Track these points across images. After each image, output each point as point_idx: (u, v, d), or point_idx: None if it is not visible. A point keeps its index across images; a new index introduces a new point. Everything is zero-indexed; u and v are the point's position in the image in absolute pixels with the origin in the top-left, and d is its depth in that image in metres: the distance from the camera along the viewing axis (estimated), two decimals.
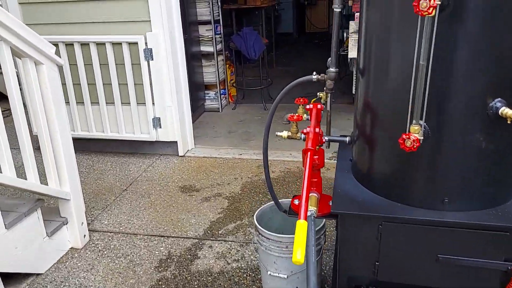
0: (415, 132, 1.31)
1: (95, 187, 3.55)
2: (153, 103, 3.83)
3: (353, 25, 4.46)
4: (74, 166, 2.72)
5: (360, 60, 1.65)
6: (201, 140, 4.37)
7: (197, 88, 4.94)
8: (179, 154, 4.03)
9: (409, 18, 1.29)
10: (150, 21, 3.61)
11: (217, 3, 4.98)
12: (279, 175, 3.61)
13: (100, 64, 3.77)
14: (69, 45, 3.73)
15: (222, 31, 5.14)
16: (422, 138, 1.31)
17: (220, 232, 2.88)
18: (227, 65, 5.41)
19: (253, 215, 3.17)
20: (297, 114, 1.87)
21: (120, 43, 3.66)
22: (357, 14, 4.81)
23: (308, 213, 1.50)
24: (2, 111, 2.42)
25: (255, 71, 6.08)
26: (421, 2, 1.17)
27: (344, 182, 1.71)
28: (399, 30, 1.41)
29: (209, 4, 4.83)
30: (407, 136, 1.31)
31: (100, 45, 3.71)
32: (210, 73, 5.11)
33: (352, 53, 4.36)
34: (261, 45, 4.99)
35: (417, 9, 1.18)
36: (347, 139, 1.78)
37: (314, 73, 1.99)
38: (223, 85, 5.33)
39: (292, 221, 2.49)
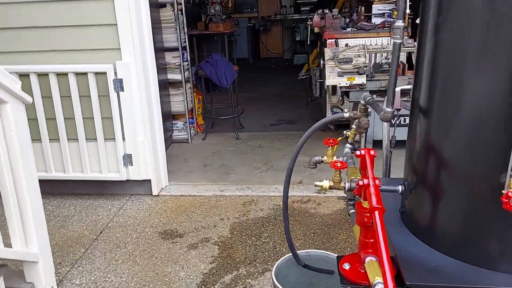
0: None
1: (59, 238, 3.07)
2: (124, 138, 3.43)
3: (328, 52, 4.34)
4: (42, 221, 2.29)
5: (420, 94, 1.42)
6: (174, 176, 3.99)
7: (164, 118, 4.56)
8: (153, 194, 3.63)
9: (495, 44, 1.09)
10: (120, 49, 3.25)
11: (183, 28, 4.70)
12: (269, 213, 3.31)
13: (61, 97, 3.33)
14: (24, 76, 3.26)
15: (189, 58, 4.85)
16: None
17: (216, 286, 2.53)
18: (194, 93, 5.10)
19: (249, 263, 2.86)
20: (340, 160, 1.60)
21: (85, 73, 3.26)
22: (329, 41, 4.72)
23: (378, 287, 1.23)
24: None
25: (222, 98, 5.82)
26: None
27: (402, 240, 1.45)
28: (485, 59, 1.20)
29: (176, 30, 4.53)
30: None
31: (62, 75, 3.28)
32: (178, 102, 4.77)
33: (330, 80, 4.22)
34: (233, 72, 4.74)
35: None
36: (399, 188, 1.53)
37: (346, 110, 1.76)
38: (191, 114, 5.00)
39: (310, 276, 2.21)
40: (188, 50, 4.81)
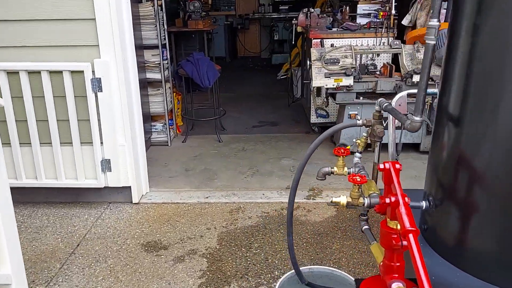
0: None
1: (31, 253, 2.81)
2: (102, 142, 3.20)
3: (314, 53, 4.21)
4: (15, 236, 2.05)
5: (449, 100, 1.29)
6: (155, 182, 3.77)
7: (143, 120, 4.32)
8: (133, 201, 3.41)
9: None
10: (98, 45, 3.01)
11: (163, 25, 4.47)
12: (257, 222, 3.15)
13: (33, 97, 3.07)
14: None
15: (169, 56, 4.63)
16: None
17: None
18: (174, 94, 4.88)
19: (241, 277, 2.69)
20: (358, 174, 1.44)
21: (60, 72, 3.00)
22: (315, 41, 4.59)
23: None
24: None
25: (201, 99, 5.61)
26: None
27: (429, 262, 1.32)
28: None
29: (155, 26, 4.30)
30: None
31: (34, 74, 3.02)
32: (157, 102, 4.54)
33: (317, 81, 4.09)
34: (215, 72, 4.54)
35: None
36: (423, 204, 1.39)
37: (358, 117, 1.61)
38: (171, 116, 4.78)
39: None
40: (168, 48, 4.59)
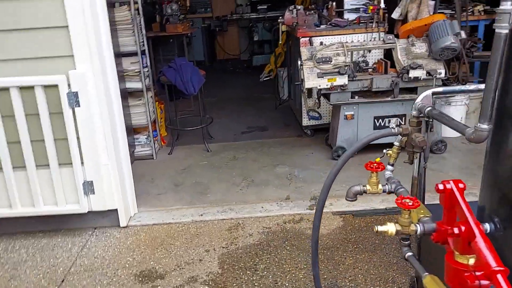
0: None
1: None
2: (83, 163, 2.88)
3: (305, 52, 3.98)
4: None
5: None
6: (142, 200, 3.47)
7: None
8: (121, 225, 3.10)
9: None
10: (73, 56, 2.70)
11: (141, 30, 4.17)
12: (260, 239, 2.89)
13: (2, 116, 2.74)
14: None
15: (149, 64, 4.33)
16: None
17: None
18: (156, 103, 4.58)
19: None
20: (408, 196, 1.20)
21: (31, 87, 2.68)
22: (303, 39, 4.35)
23: None
24: None
25: (184, 106, 5.32)
26: None
27: None
28: None
29: (133, 32, 3.99)
30: None
31: (2, 90, 2.69)
32: (139, 113, 4.23)
33: (309, 82, 3.85)
34: (200, 78, 4.26)
35: None
36: (487, 227, 1.15)
37: (392, 123, 1.37)
38: (154, 126, 4.47)
39: None
40: (147, 54, 4.29)
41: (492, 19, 5.56)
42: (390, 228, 1.17)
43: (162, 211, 3.31)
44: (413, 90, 3.99)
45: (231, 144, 4.69)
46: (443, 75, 3.87)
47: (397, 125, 1.34)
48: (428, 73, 3.83)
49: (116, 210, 3.06)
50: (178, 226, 3.10)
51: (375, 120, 4.00)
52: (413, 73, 3.83)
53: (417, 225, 1.14)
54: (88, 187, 2.93)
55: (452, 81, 4.18)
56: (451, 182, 1.02)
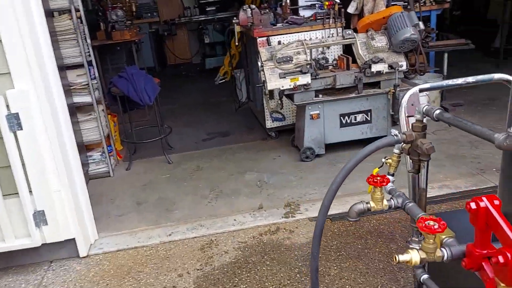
0: None
1: None
2: (31, 191, 2.57)
3: (264, 52, 3.80)
4: None
5: None
6: (103, 224, 3.17)
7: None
8: (81, 255, 2.80)
9: None
10: (9, 73, 2.39)
11: (86, 40, 3.84)
12: (236, 256, 2.68)
13: None
14: None
15: (97, 75, 4.01)
16: None
17: None
18: (108, 116, 4.26)
19: None
20: (431, 217, 1.03)
21: None
22: (260, 39, 4.18)
23: None
24: None
25: (139, 116, 5.03)
26: None
27: None
28: None
29: (77, 42, 3.66)
30: None
31: None
32: (90, 129, 3.90)
33: (272, 83, 3.69)
34: (154, 86, 3.99)
35: None
36: None
37: (393, 131, 1.21)
38: (108, 141, 4.16)
39: None
40: (95, 65, 3.97)
41: (443, 9, 5.64)
42: (414, 257, 1.00)
43: (126, 235, 3.04)
44: (376, 85, 3.92)
45: (193, 153, 4.45)
46: (404, 67, 3.82)
47: (399, 132, 1.18)
48: (390, 66, 3.77)
49: (74, 239, 2.76)
50: (145, 250, 2.84)
51: (341, 117, 3.89)
52: (375, 68, 3.75)
53: (443, 250, 0.98)
54: (40, 217, 2.61)
55: (411, 72, 4.15)
56: (484, 199, 0.86)
